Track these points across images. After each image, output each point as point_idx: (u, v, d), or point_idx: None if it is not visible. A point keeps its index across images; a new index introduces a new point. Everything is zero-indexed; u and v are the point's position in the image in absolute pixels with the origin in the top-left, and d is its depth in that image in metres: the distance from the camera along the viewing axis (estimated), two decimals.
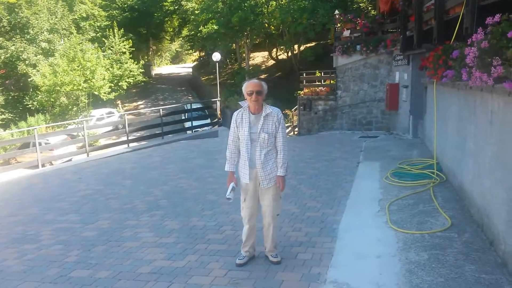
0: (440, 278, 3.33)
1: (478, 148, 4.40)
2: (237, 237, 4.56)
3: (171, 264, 4.11)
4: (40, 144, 13.58)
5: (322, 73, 16.16)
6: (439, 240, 4.07)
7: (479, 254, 3.69)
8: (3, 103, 28.96)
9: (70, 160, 14.22)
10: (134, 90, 36.79)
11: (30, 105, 29.08)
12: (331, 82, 15.05)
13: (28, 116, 27.52)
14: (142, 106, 34.70)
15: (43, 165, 11.99)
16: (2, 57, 29.69)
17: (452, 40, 6.12)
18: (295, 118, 17.91)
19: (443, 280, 3.28)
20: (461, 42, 5.10)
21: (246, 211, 3.91)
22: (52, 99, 28.21)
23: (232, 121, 3.90)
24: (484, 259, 3.58)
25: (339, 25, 14.44)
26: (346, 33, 14.06)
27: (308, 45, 28.92)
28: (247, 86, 3.77)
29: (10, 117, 29.14)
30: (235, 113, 3.90)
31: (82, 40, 30.33)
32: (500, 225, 3.56)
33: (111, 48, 32.74)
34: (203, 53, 41.81)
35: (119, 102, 33.76)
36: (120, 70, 31.34)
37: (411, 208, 5.14)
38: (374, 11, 20.26)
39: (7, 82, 31.94)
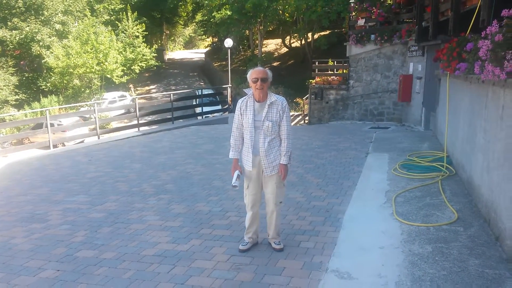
0: (443, 271, 3.31)
1: (488, 142, 4.33)
2: (242, 223, 4.58)
3: (175, 247, 4.16)
4: (52, 125, 13.76)
5: (335, 62, 16.03)
6: (444, 234, 4.05)
7: (484, 248, 3.66)
8: (17, 83, 29.25)
9: (82, 141, 14.39)
10: (146, 74, 36.91)
11: (43, 87, 29.37)
12: (344, 71, 14.91)
13: (41, 97, 27.82)
14: (154, 90, 34.83)
15: (55, 146, 12.13)
16: (17, 38, 29.90)
17: (468, 32, 5.99)
18: (306, 107, 17.82)
19: (446, 273, 3.27)
20: (477, 34, 4.99)
21: (249, 198, 3.92)
22: (65, 81, 28.44)
23: (236, 109, 3.88)
24: (489, 254, 3.55)
25: (354, 13, 14.25)
26: (361, 22, 13.87)
27: (322, 33, 28.63)
28: (252, 74, 3.75)
29: (24, 98, 29.48)
30: (239, 101, 3.89)
31: (96, 22, 30.40)
32: (507, 220, 3.51)
33: (125, 32, 32.79)
34: (216, 39, 41.66)
35: (131, 85, 33.93)
36: (133, 54, 31.41)
37: (418, 200, 5.10)
38: (390, 1, 19.90)
39: (21, 63, 32.25)
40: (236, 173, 3.86)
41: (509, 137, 3.59)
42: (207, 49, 49.51)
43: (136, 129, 13.96)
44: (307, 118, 16.78)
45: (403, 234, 4.12)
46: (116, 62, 29.02)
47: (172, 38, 58.77)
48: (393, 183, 5.89)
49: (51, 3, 30.66)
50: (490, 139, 4.26)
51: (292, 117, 18.36)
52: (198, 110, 18.53)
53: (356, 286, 3.21)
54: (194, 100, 19.91)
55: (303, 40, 29.41)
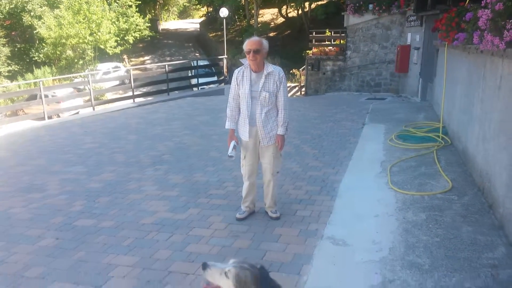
0: (436, 238, 3.38)
1: (485, 113, 4.34)
2: (238, 193, 4.62)
3: (173, 216, 4.20)
4: (46, 96, 13.62)
5: (332, 32, 15.80)
6: (438, 202, 4.11)
7: (477, 216, 3.73)
8: (9, 54, 28.73)
9: (77, 113, 14.28)
10: (140, 45, 36.29)
11: (36, 58, 28.88)
12: (341, 42, 14.74)
13: (34, 68, 27.40)
14: (148, 61, 34.35)
15: (49, 117, 12.06)
16: (7, 7, 29.18)
17: (467, 1, 5.90)
18: (303, 78, 17.69)
19: (439, 240, 3.34)
20: (476, 3, 4.91)
21: (246, 168, 3.94)
22: (58, 52, 27.98)
23: (232, 79, 3.84)
24: (482, 221, 3.62)
25: None
26: None
27: (320, 2, 28.07)
28: (246, 44, 3.68)
29: (17, 69, 29.03)
30: (236, 71, 3.84)
31: None
32: (501, 189, 3.57)
33: (117, 1, 31.99)
34: (211, 9, 40.75)
35: (125, 56, 33.42)
36: (126, 24, 30.79)
37: (413, 170, 5.15)
38: None
39: (13, 33, 31.56)
40: (233, 143, 3.85)
41: (506, 107, 3.60)
42: (202, 19, 48.47)
43: (131, 101, 13.86)
44: (303, 89, 16.69)
45: (397, 202, 4.18)
46: (109, 33, 28.48)
47: (166, 8, 57.41)
48: (389, 153, 5.93)
49: None
50: (487, 110, 4.27)
51: (288, 89, 18.22)
52: (194, 81, 18.36)
53: (351, 252, 3.28)
54: (189, 71, 19.68)
55: (300, 9, 28.89)
